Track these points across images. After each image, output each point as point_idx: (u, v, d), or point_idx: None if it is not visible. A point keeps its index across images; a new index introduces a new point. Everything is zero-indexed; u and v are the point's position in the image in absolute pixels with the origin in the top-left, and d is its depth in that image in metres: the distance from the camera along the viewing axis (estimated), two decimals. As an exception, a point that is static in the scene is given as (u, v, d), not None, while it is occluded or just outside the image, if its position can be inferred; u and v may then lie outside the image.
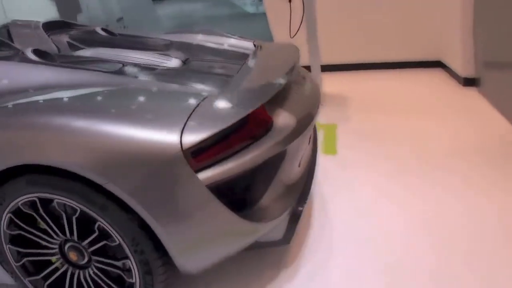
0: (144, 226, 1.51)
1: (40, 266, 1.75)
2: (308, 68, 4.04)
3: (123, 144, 1.45)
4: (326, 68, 5.00)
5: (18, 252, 1.73)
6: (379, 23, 4.85)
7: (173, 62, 2.16)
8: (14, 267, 1.75)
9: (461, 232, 2.17)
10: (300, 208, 1.88)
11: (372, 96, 4.28)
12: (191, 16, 10.33)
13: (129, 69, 1.98)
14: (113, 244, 1.57)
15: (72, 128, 1.48)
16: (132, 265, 1.58)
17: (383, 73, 4.96)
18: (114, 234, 1.54)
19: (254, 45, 2.51)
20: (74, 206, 1.54)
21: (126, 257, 1.57)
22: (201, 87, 1.72)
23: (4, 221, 1.67)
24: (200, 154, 1.46)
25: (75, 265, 1.70)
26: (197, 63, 2.21)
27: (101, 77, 1.80)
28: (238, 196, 1.68)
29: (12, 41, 2.56)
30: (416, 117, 3.66)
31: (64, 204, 1.56)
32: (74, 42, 2.53)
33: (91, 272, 1.68)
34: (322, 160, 3.05)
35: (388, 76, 4.85)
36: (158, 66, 2.07)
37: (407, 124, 3.53)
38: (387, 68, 5.04)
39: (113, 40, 2.56)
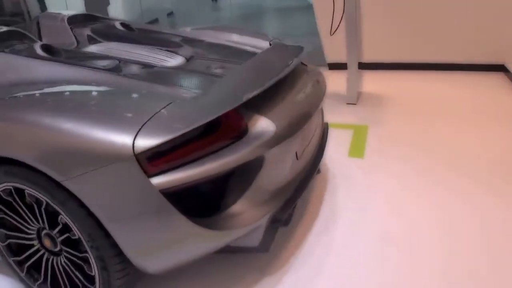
0: (102, 224, 1.49)
1: (23, 248, 1.80)
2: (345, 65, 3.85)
3: (79, 142, 1.45)
4: (372, 66, 4.75)
5: (5, 234, 1.80)
6: (436, 21, 4.46)
7: (176, 60, 2.19)
8: (0, 246, 1.83)
9: (483, 259, 1.92)
10: (281, 216, 1.77)
11: (416, 98, 3.95)
12: (258, 7, 10.34)
13: (123, 67, 2.01)
14: (73, 237, 1.58)
15: (34, 124, 1.52)
16: (90, 259, 1.57)
17: (434, 74, 4.57)
18: (73, 228, 1.55)
19: (270, 45, 2.46)
20: (40, 198, 1.58)
21: (86, 251, 1.57)
22: (180, 90, 1.69)
23: None
24: (157, 159, 1.42)
25: (50, 251, 1.73)
26: (199, 62, 2.21)
27: (89, 74, 1.82)
28: (205, 201, 1.65)
29: (40, 32, 2.70)
30: (462, 125, 3.32)
31: (35, 195, 1.59)
32: (94, 36, 2.61)
33: (62, 260, 1.70)
34: (347, 163, 2.86)
35: (440, 78, 4.46)
36: (158, 64, 2.10)
37: (449, 132, 3.20)
38: (440, 70, 4.63)
39: (128, 35, 2.60)
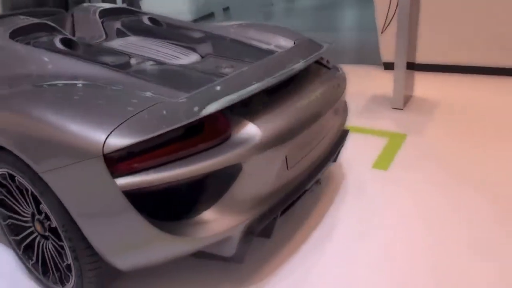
0: None
1: (20, 229, 1.95)
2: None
3: (57, 136, 1.51)
4: (428, 68, 4.36)
5: (6, 214, 1.97)
6: (500, 24, 3.97)
7: (189, 58, 2.23)
8: (2, 225, 2.00)
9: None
10: (257, 227, 1.71)
11: (472, 107, 3.55)
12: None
13: (132, 63, 2.06)
14: (52, 226, 1.67)
15: (19, 114, 1.62)
16: (65, 248, 1.66)
17: (495, 80, 4.07)
18: (51, 217, 1.64)
19: (294, 44, 2.38)
20: (26, 186, 1.69)
21: (62, 240, 1.66)
22: (172, 91, 1.69)
23: None
24: (126, 160, 1.44)
25: (41, 235, 1.85)
26: (212, 60, 2.21)
27: (94, 69, 1.89)
28: (177, 205, 1.63)
29: (74, 25, 2.86)
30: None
31: (22, 182, 1.71)
32: (123, 29, 2.71)
33: (49, 245, 1.81)
34: (366, 174, 2.68)
35: (502, 85, 3.96)
36: (169, 61, 2.13)
37: (499, 153, 2.83)
38: (503, 75, 4.12)
39: (154, 30, 2.65)
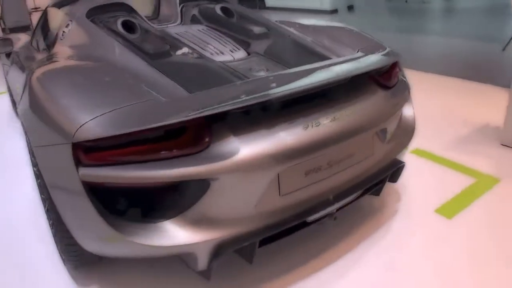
0: None
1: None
2: None
3: (44, 115, 1.59)
4: None
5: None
6: None
7: (233, 55, 2.15)
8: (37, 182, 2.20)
9: None
10: (228, 249, 1.57)
11: None
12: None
13: (170, 54, 2.05)
14: (42, 196, 1.77)
15: (32, 89, 1.72)
16: (49, 216, 1.76)
17: None
18: (41, 186, 1.74)
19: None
20: (33, 161, 1.83)
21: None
22: (179, 90, 1.64)
23: None
24: (94, 151, 1.43)
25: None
26: (254, 60, 2.14)
27: (125, 55, 1.93)
28: (142, 208, 1.59)
29: (159, 8, 2.97)
30: None
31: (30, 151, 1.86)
32: (198, 16, 2.73)
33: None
34: (420, 216, 2.23)
35: None
36: (210, 56, 2.10)
37: None
38: None
39: (220, 20, 2.59)
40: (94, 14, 2.44)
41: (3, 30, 8.24)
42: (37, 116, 1.64)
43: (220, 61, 2.07)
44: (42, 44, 2.89)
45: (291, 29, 2.45)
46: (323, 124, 1.66)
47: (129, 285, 1.90)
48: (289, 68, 1.96)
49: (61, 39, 2.52)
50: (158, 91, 1.61)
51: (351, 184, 1.86)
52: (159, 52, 2.02)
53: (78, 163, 1.43)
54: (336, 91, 1.83)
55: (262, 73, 1.96)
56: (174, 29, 2.50)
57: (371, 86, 1.96)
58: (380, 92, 1.96)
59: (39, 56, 2.72)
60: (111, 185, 1.45)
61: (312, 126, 1.64)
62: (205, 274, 1.66)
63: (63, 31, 2.52)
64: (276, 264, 1.94)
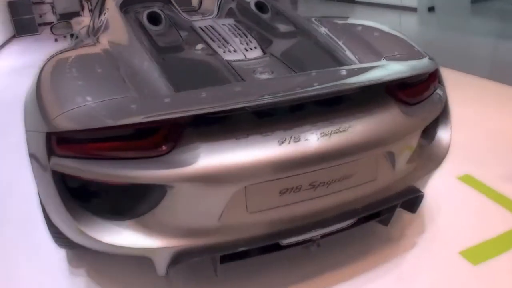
0: None
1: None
2: None
3: (33, 99, 1.60)
4: None
5: None
6: None
7: (247, 53, 2.07)
8: None
9: None
10: (186, 258, 1.51)
11: None
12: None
13: (182, 48, 2.04)
14: None
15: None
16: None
17: None
18: None
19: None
20: None
21: None
22: (166, 88, 1.59)
23: None
24: (66, 143, 1.44)
25: None
26: (265, 61, 2.03)
27: (137, 48, 1.90)
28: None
29: (202, 1, 2.95)
30: None
31: None
32: (235, 10, 2.68)
33: None
34: (440, 258, 1.91)
35: None
36: (222, 53, 2.05)
37: None
38: None
39: (251, 15, 2.49)
40: (129, 4, 2.46)
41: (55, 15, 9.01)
42: (29, 101, 1.68)
43: (228, 59, 1.99)
44: (91, 29, 3.02)
45: (324, 29, 2.25)
46: (306, 140, 1.48)
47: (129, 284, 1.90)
48: (296, 72, 1.82)
49: (97, 27, 2.60)
50: (143, 88, 1.58)
51: (342, 210, 1.65)
52: (168, 47, 2.01)
53: (51, 152, 1.44)
54: (338, 103, 1.62)
55: (265, 76, 1.84)
56: (203, 22, 2.44)
57: (385, 100, 1.70)
58: (395, 108, 1.69)
59: (86, 41, 2.84)
60: (77, 177, 1.45)
61: (290, 141, 1.46)
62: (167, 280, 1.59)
63: (100, 20, 2.60)
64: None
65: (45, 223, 1.81)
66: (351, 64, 1.86)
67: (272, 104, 1.47)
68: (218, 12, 2.71)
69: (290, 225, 1.57)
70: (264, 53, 2.10)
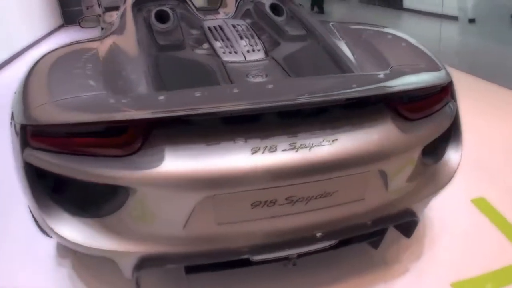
0: None
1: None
2: None
3: (20, 91, 1.62)
4: None
5: None
6: None
7: (248, 56, 2.02)
8: None
9: None
10: (147, 265, 1.48)
11: None
12: None
13: (182, 47, 2.04)
14: None
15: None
16: None
17: None
18: None
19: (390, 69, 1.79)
20: None
21: None
22: (151, 88, 1.59)
23: None
24: (39, 136, 1.44)
25: None
26: (262, 64, 1.98)
27: (126, 44, 1.94)
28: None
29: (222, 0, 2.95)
30: None
31: None
32: (251, 11, 2.66)
33: None
34: (433, 286, 1.80)
35: None
36: (221, 55, 2.03)
37: None
38: None
39: (264, 17, 2.45)
40: (143, 1, 2.49)
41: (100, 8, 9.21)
42: (17, 91, 1.70)
43: (226, 60, 1.97)
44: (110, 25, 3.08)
45: (337, 35, 2.18)
46: (283, 151, 1.41)
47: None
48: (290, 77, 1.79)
49: (112, 23, 2.65)
50: (121, 87, 1.57)
51: (323, 230, 1.57)
52: (168, 45, 2.01)
53: (25, 144, 1.46)
54: (325, 114, 1.55)
55: (256, 80, 1.79)
56: (213, 22, 2.42)
57: (380, 114, 1.59)
58: (390, 123, 1.57)
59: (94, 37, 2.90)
60: (47, 171, 1.45)
61: (264, 151, 1.40)
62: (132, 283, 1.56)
63: (117, 15, 2.64)
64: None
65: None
66: (350, 72, 1.78)
67: (249, 110, 1.41)
68: (235, 13, 2.69)
69: (263, 241, 1.51)
70: (267, 56, 2.06)
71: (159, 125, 1.43)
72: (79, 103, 1.45)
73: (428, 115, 1.71)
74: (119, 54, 1.86)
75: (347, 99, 1.48)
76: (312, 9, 9.77)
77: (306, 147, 1.41)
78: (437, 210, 2.20)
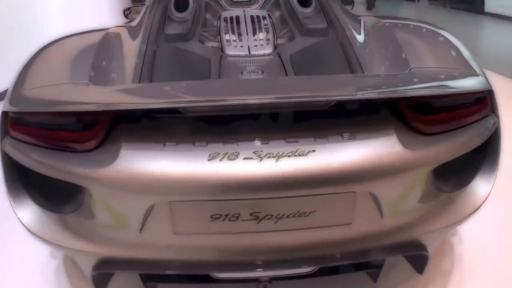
0: None
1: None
2: None
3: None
4: None
5: None
6: None
7: (253, 50, 1.90)
8: None
9: None
10: (100, 268, 1.38)
11: None
12: None
13: (187, 38, 1.96)
14: None
15: None
16: None
17: None
18: None
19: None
20: None
21: None
22: (127, 77, 1.52)
23: None
24: (17, 124, 1.38)
25: None
26: (262, 60, 1.83)
27: (133, 32, 1.87)
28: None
29: None
30: None
31: None
32: (280, 1, 2.54)
33: None
34: None
35: None
36: (227, 48, 1.93)
37: None
38: None
39: (289, 7, 2.32)
40: None
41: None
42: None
43: (227, 54, 1.87)
44: None
45: (363, 30, 1.91)
46: (245, 160, 1.21)
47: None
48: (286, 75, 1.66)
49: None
50: (108, 77, 1.49)
51: (298, 254, 1.34)
52: (173, 35, 1.96)
53: (5, 132, 1.40)
54: (310, 120, 1.32)
55: (250, 76, 1.69)
56: (232, 12, 2.30)
57: (382, 123, 1.33)
58: (393, 136, 1.30)
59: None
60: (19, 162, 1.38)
61: (223, 158, 1.21)
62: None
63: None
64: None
65: None
66: (359, 72, 1.54)
67: (210, 109, 1.25)
68: (264, 3, 2.55)
69: (225, 258, 1.33)
70: (274, 51, 1.90)
71: (122, 121, 1.31)
72: (52, 92, 1.37)
73: (450, 129, 1.40)
74: (117, 44, 1.78)
75: (333, 104, 1.24)
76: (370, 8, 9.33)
77: (273, 157, 1.20)
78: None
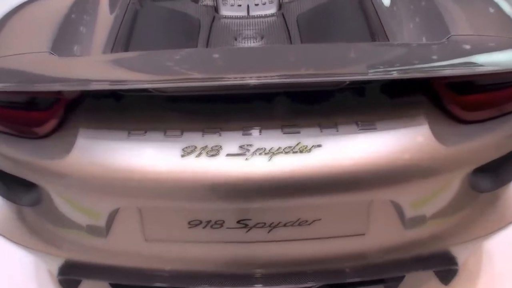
0: None
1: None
2: None
3: None
4: None
5: None
6: None
7: (252, 11, 1.59)
8: None
9: None
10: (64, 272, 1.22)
11: None
12: None
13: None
14: None
15: None
16: None
17: None
18: None
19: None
20: None
21: None
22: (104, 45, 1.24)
23: None
24: None
25: None
26: (263, 22, 1.57)
27: None
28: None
29: None
30: None
31: None
32: None
33: None
34: None
35: None
36: (220, 7, 1.64)
37: None
38: None
39: None
40: None
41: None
42: None
43: (223, 15, 1.59)
44: None
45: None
46: (228, 156, 0.95)
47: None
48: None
49: None
50: (75, 46, 1.20)
51: (294, 269, 1.12)
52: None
53: None
54: (317, 103, 1.04)
55: (245, 44, 1.42)
56: None
57: (410, 108, 1.04)
58: (423, 125, 1.01)
59: None
60: None
61: (201, 153, 0.95)
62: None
63: None
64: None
65: None
66: (382, 40, 1.22)
67: (183, 90, 0.99)
68: None
69: (206, 270, 1.11)
70: (279, 10, 1.59)
71: (82, 101, 1.06)
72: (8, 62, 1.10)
73: (498, 115, 1.09)
74: (92, 7, 1.48)
75: (348, 84, 0.94)
76: None
77: (265, 154, 0.93)
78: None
